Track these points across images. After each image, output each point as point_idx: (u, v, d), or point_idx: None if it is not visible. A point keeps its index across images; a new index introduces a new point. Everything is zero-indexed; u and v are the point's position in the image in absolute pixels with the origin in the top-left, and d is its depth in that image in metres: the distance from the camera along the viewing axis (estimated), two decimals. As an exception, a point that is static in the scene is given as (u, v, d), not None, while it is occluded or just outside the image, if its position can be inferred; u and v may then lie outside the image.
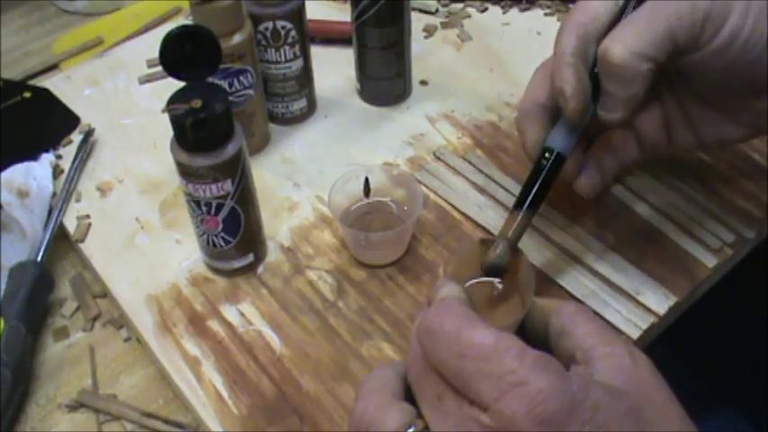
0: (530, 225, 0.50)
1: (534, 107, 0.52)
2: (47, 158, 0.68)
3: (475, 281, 0.51)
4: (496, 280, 0.52)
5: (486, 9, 0.82)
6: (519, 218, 0.49)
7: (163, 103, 0.50)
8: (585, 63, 0.48)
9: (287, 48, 0.65)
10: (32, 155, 0.68)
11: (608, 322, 0.54)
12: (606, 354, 0.36)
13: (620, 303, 0.55)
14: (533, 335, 0.40)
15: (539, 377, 0.32)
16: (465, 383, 0.34)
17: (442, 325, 0.35)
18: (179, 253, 0.61)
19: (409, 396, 0.38)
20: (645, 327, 0.53)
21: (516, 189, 0.63)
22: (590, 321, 0.38)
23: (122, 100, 0.75)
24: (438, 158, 0.66)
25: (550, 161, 0.49)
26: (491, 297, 0.52)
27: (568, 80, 0.48)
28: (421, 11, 0.82)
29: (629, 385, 0.35)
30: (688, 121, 0.52)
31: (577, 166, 0.52)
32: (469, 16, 0.81)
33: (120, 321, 0.58)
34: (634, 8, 0.48)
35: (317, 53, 0.71)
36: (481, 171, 0.65)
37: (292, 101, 0.69)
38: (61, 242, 0.63)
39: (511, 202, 0.62)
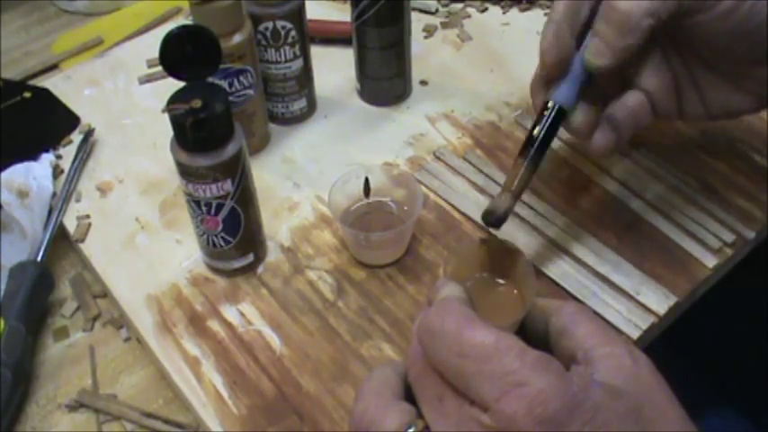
0: (530, 182, 0.51)
1: (541, 73, 0.53)
2: (47, 158, 0.68)
3: (475, 280, 0.51)
4: (498, 279, 0.52)
5: (486, 9, 0.82)
6: (520, 170, 0.50)
7: (163, 103, 0.50)
8: (575, 22, 0.50)
9: (287, 48, 0.65)
10: (32, 155, 0.68)
11: (608, 322, 0.54)
12: (606, 354, 0.36)
13: (620, 303, 0.55)
14: (534, 335, 0.40)
15: (539, 377, 0.32)
16: (465, 383, 0.34)
17: (443, 325, 0.35)
18: (179, 253, 0.61)
19: (409, 396, 0.38)
20: (645, 327, 0.53)
21: (516, 189, 0.63)
22: (590, 321, 0.38)
23: (122, 100, 0.75)
24: (438, 158, 0.66)
25: (550, 113, 0.50)
26: (491, 297, 0.52)
27: (546, 37, 0.50)
28: (421, 11, 0.82)
29: (629, 385, 0.35)
30: (696, 88, 0.53)
31: (590, 124, 0.52)
32: (469, 16, 0.81)
33: (120, 321, 0.58)
34: None
35: (317, 53, 0.71)
36: (481, 171, 0.65)
37: (292, 101, 0.69)
38: (61, 242, 0.63)
39: (511, 202, 0.62)
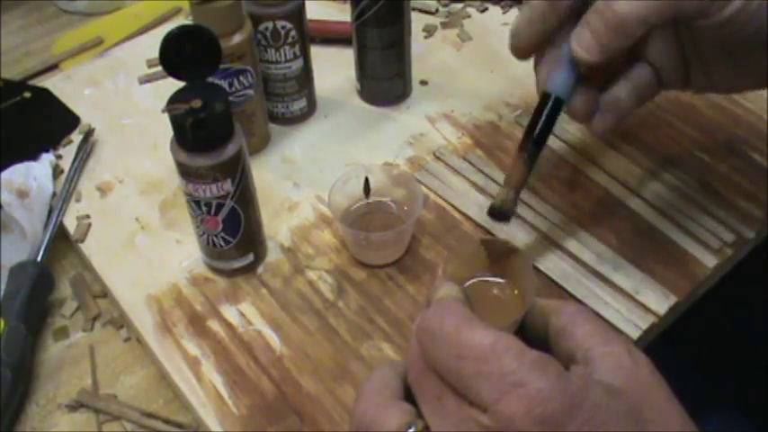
0: (530, 175, 0.50)
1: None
2: (47, 158, 0.68)
3: (475, 279, 0.51)
4: (498, 279, 0.52)
5: (486, 9, 0.82)
6: (521, 164, 0.49)
7: (163, 103, 0.50)
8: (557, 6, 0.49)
9: (287, 48, 0.65)
10: (32, 155, 0.68)
11: (608, 322, 0.54)
12: (606, 353, 0.36)
13: (620, 303, 0.55)
14: (533, 335, 0.40)
15: (538, 377, 0.32)
16: (464, 384, 0.34)
17: (442, 326, 0.35)
18: (179, 253, 0.61)
19: (409, 396, 0.38)
20: (645, 327, 0.53)
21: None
22: (590, 321, 0.38)
23: (122, 100, 0.75)
24: (438, 158, 0.66)
25: (548, 105, 0.49)
26: (491, 297, 0.52)
27: (517, 21, 0.50)
28: (421, 11, 0.82)
29: (628, 385, 0.35)
30: (702, 62, 0.52)
31: (590, 108, 0.51)
32: (469, 16, 0.81)
33: (120, 321, 0.58)
34: None
35: (317, 53, 0.71)
36: (481, 171, 0.65)
37: (292, 101, 0.69)
38: (61, 242, 0.63)
39: (511, 201, 0.62)
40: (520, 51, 0.51)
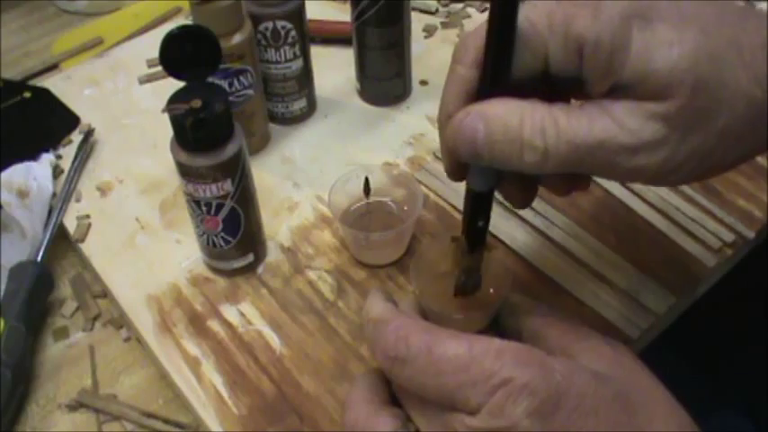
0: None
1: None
2: (47, 158, 0.68)
3: (448, 274, 0.48)
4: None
5: (486, 9, 0.82)
6: (476, 255, 0.44)
7: (163, 103, 0.50)
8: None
9: (287, 48, 0.65)
10: (32, 155, 0.68)
11: (608, 322, 0.54)
12: (585, 348, 0.36)
13: (620, 303, 0.55)
14: (509, 331, 0.40)
15: (522, 372, 0.32)
16: (450, 398, 0.33)
17: (409, 349, 0.34)
18: (179, 253, 0.61)
19: (396, 398, 0.38)
20: (645, 327, 0.53)
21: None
22: (562, 321, 0.38)
23: (122, 100, 0.75)
24: (438, 158, 0.66)
25: (472, 200, 0.42)
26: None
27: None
28: (421, 11, 0.82)
29: (613, 370, 0.35)
30: None
31: (526, 195, 0.44)
32: (469, 16, 0.81)
33: (120, 321, 0.58)
34: None
35: (317, 53, 0.71)
36: (481, 171, 0.65)
37: (292, 101, 0.69)
38: (61, 242, 0.63)
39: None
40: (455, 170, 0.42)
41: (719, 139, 0.35)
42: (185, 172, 0.52)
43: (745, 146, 0.36)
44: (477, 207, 0.42)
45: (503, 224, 0.60)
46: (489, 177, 0.40)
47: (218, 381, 0.52)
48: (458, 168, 0.41)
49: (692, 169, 0.36)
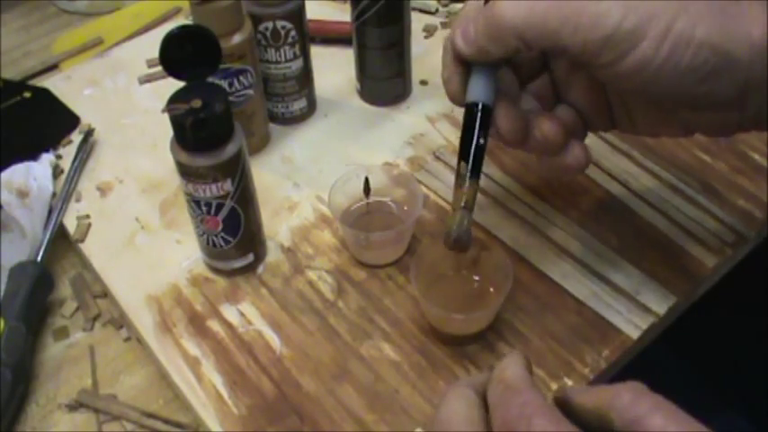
0: (479, 189, 0.48)
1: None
2: (47, 158, 0.68)
3: (450, 273, 0.51)
4: (475, 278, 0.52)
5: (486, 9, 0.82)
6: (467, 184, 0.46)
7: (163, 103, 0.50)
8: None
9: (287, 48, 0.65)
10: (32, 155, 0.68)
11: (608, 322, 0.54)
12: None
13: (620, 303, 0.55)
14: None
15: None
16: None
17: (529, 429, 0.32)
18: (179, 253, 0.61)
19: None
20: (645, 327, 0.53)
21: (516, 188, 0.63)
22: (658, 405, 0.34)
23: (122, 100, 0.75)
24: (438, 158, 0.66)
25: (478, 115, 0.47)
26: (463, 293, 0.54)
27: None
28: (421, 11, 0.82)
29: None
30: (625, 107, 0.50)
31: (515, 121, 0.48)
32: (469, 16, 0.81)
33: (120, 321, 0.58)
34: None
35: (317, 53, 0.71)
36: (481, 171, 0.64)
37: (292, 101, 0.69)
38: (61, 242, 0.63)
39: (511, 201, 0.62)
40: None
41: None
42: (185, 172, 0.52)
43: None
44: (480, 122, 0.46)
45: (503, 224, 0.60)
46: (488, 87, 0.47)
47: (218, 381, 0.52)
48: (459, 85, 0.49)
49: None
